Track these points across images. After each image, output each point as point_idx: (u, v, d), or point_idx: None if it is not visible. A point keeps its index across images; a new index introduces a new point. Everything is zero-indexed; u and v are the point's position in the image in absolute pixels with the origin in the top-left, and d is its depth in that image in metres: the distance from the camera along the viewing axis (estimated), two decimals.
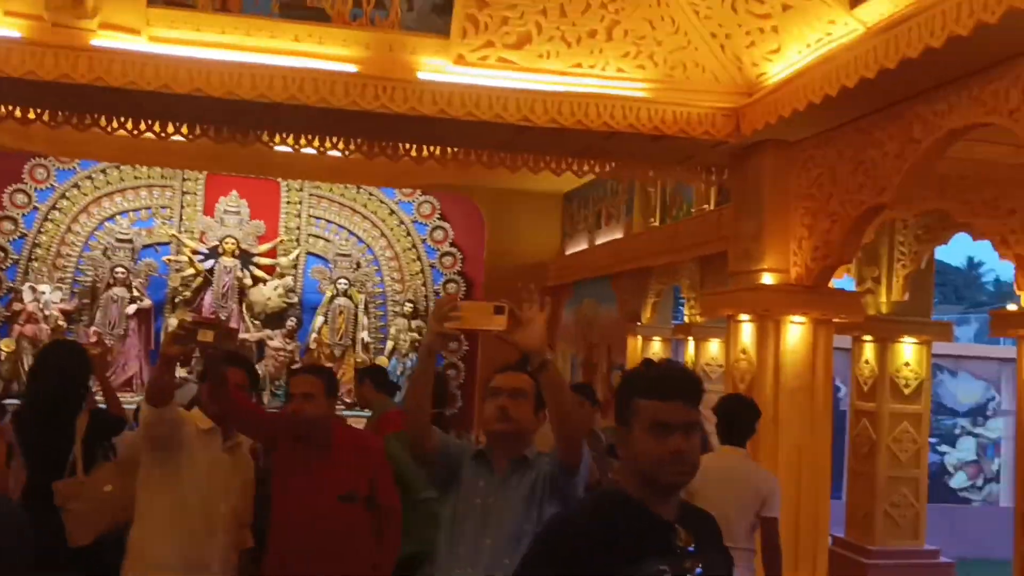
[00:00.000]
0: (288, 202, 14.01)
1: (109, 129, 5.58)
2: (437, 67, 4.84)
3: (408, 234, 14.42)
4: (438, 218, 14.41)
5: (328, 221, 14.22)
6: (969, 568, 9.29)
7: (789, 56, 4.49)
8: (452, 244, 14.41)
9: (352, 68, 4.79)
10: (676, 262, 10.04)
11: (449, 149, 5.94)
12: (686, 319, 10.06)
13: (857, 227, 4.43)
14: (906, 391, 6.79)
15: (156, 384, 3.47)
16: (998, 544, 11.83)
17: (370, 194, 14.26)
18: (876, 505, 6.62)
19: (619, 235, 11.56)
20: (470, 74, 4.85)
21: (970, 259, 35.37)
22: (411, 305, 14.11)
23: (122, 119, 5.54)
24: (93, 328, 12.94)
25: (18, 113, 5.53)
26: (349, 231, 14.25)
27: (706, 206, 9.42)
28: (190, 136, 5.77)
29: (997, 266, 35.92)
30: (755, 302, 4.99)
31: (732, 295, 5.22)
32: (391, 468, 4.00)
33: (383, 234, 14.38)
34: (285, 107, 4.82)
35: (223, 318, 13.39)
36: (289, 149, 6.14)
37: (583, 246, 12.84)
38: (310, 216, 14.13)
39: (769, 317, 4.95)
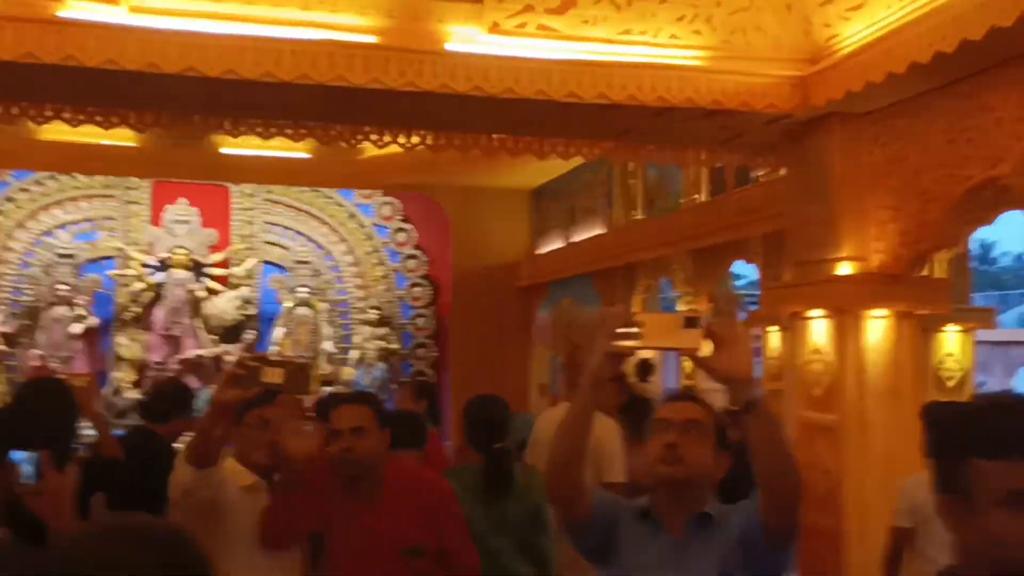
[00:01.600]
0: (240, 208, 13.16)
1: (75, 121, 4.78)
2: (468, 37, 4.19)
3: (369, 238, 13.70)
4: (400, 220, 13.72)
5: (284, 227, 13.42)
6: None
7: (874, 13, 3.97)
8: (416, 247, 13.73)
9: (371, 39, 4.11)
10: (665, 256, 9.59)
11: (467, 135, 5.26)
12: None
13: (963, 205, 3.93)
14: (949, 383, 6.34)
15: (204, 440, 2.67)
16: None
17: (327, 197, 13.51)
18: None
19: (599, 230, 11.03)
20: (506, 44, 4.21)
21: (982, 242, 33.45)
22: (376, 312, 13.39)
23: (89, 109, 4.75)
24: (36, 351, 11.92)
25: None
26: (307, 237, 13.47)
27: (697, 196, 9.00)
28: (175, 128, 4.97)
29: (1013, 248, 34.31)
30: (832, 296, 4.46)
31: (803, 289, 4.68)
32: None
33: (343, 239, 13.64)
34: (295, 88, 4.11)
35: (176, 334, 12.51)
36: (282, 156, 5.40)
37: (558, 244, 12.28)
38: (264, 222, 13.31)
39: (848, 312, 4.42)
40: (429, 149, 5.80)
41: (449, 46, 4.17)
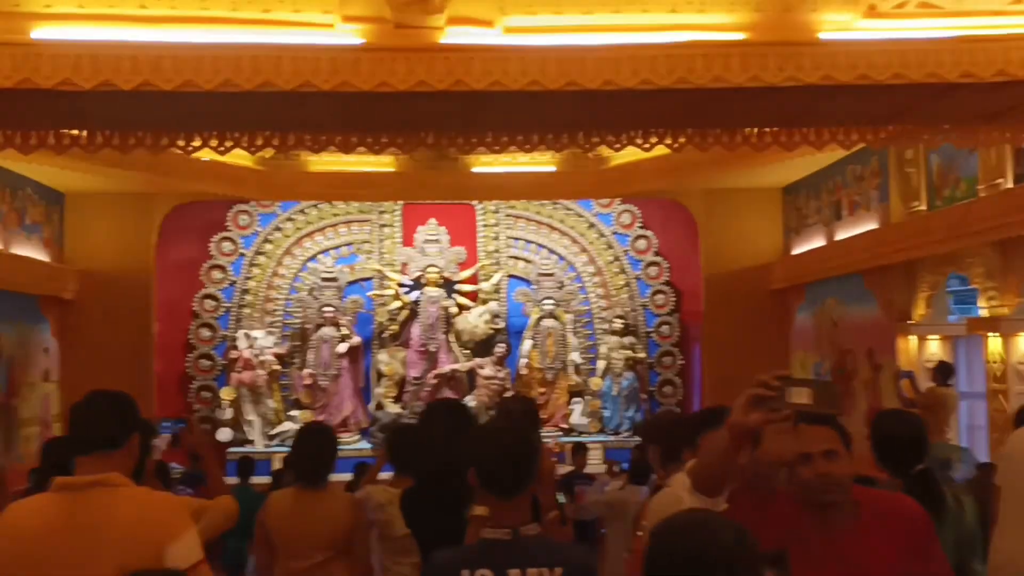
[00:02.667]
0: (485, 225, 13.47)
1: (347, 146, 4.91)
2: (843, 24, 3.98)
3: (609, 247, 13.65)
4: (639, 227, 13.58)
5: (527, 241, 13.59)
6: None
7: None
8: (656, 253, 13.54)
9: (743, 36, 3.96)
10: (958, 250, 8.88)
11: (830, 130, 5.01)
12: (983, 312, 8.81)
13: None
14: None
15: (722, 467, 2.48)
16: None
17: (567, 209, 13.56)
18: None
19: (871, 225, 10.39)
20: (885, 27, 3.96)
21: None
22: (621, 321, 13.26)
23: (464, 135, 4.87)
24: (307, 370, 12.63)
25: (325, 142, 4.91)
26: (549, 249, 13.57)
27: (1000, 181, 8.26)
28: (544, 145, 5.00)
29: None
30: None
31: None
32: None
33: (584, 249, 13.65)
34: (669, 94, 4.03)
35: (431, 350, 12.90)
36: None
37: (817, 242, 11.71)
38: (508, 237, 13.54)
39: None
40: (696, 146, 5.62)
41: (824, 35, 3.96)
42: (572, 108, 4.50)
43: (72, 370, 10.93)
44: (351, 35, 3.91)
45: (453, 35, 3.94)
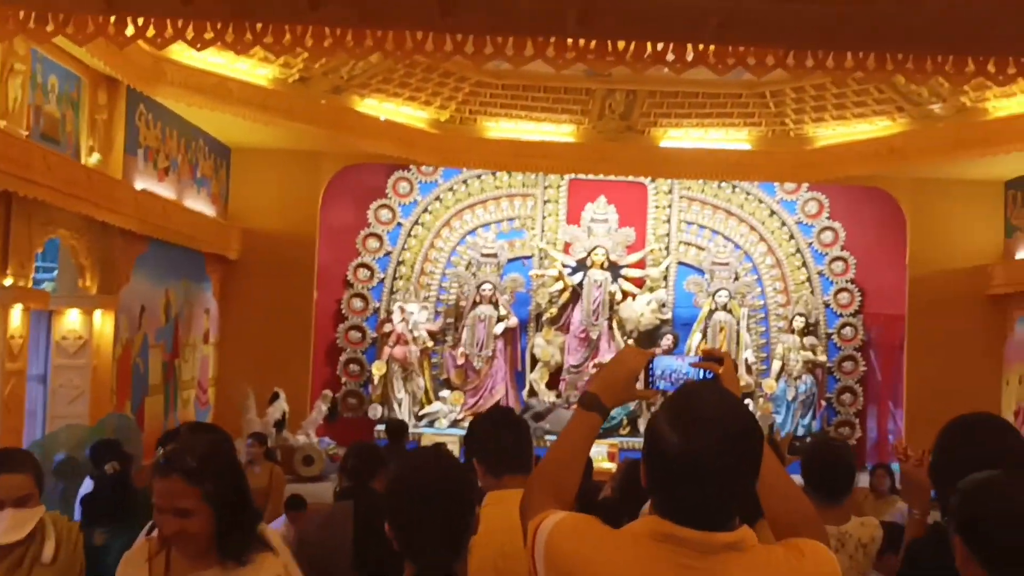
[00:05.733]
0: (656, 206, 12.41)
1: None
2: None
3: (791, 237, 12.45)
4: (826, 218, 12.34)
5: (700, 226, 12.49)
6: None
7: None
8: (843, 247, 12.25)
9: None
10: None
11: None
12: None
13: None
14: None
15: None
16: None
17: (747, 193, 12.40)
18: None
19: None
20: None
21: None
22: (802, 319, 12.03)
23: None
24: (460, 350, 11.85)
25: None
26: (725, 236, 12.44)
27: None
28: None
29: None
30: None
31: None
32: None
33: (763, 238, 12.47)
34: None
35: (593, 337, 11.95)
36: None
37: None
38: (681, 221, 12.46)
39: None
40: None
41: None
42: None
43: (231, 333, 10.41)
44: None
45: None
